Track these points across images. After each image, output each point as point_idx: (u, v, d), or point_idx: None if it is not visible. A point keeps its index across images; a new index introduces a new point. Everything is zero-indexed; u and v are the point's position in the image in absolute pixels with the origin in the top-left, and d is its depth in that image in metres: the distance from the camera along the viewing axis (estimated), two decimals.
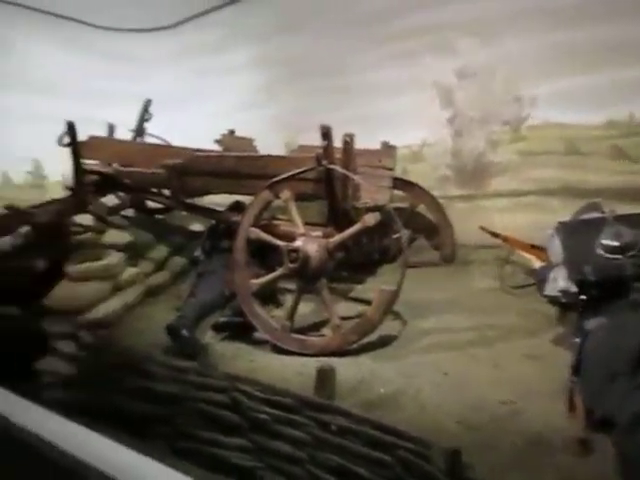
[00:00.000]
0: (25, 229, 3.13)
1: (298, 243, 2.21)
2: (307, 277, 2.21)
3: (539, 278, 1.99)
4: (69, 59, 4.46)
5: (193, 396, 2.11)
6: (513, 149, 3.16)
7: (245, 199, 3.13)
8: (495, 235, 2.75)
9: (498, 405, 1.72)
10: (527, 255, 2.48)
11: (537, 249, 2.37)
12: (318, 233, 2.34)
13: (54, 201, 3.28)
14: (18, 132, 4.10)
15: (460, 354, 2.09)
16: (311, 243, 2.22)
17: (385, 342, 2.27)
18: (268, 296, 2.62)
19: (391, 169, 2.92)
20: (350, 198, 2.46)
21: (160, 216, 3.82)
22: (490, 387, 1.83)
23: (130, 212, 3.69)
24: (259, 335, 2.35)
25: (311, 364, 2.12)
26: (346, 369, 2.00)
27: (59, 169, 4.26)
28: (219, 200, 3.33)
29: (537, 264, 2.25)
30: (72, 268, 2.91)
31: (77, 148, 2.97)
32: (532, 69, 2.96)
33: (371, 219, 2.20)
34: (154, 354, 2.35)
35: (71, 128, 2.91)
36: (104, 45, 4.63)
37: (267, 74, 4.24)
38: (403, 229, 2.30)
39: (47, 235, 3.03)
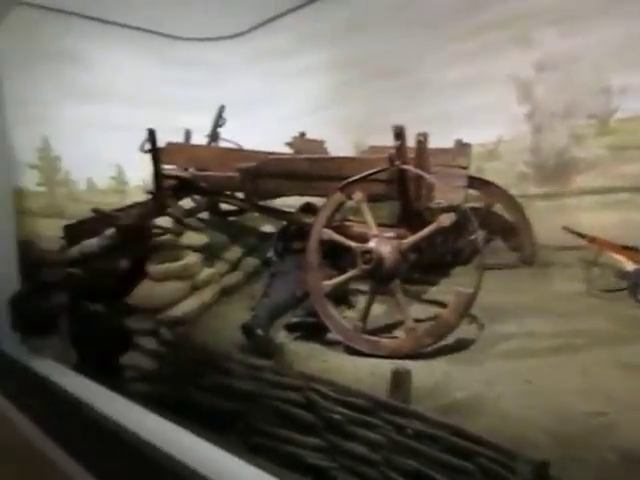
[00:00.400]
0: (110, 231, 3.34)
1: (371, 244, 2.20)
2: (380, 278, 2.20)
3: (633, 281, 1.86)
4: (146, 69, 4.72)
5: (268, 394, 2.16)
6: (600, 143, 2.97)
7: (316, 200, 3.19)
8: (581, 235, 2.60)
9: (588, 416, 1.62)
10: (618, 257, 2.33)
11: (630, 250, 2.22)
12: (391, 234, 2.32)
13: (136, 205, 3.47)
14: (101, 140, 4.38)
15: (544, 361, 1.98)
16: (384, 244, 2.20)
17: (461, 346, 2.21)
18: (340, 297, 2.63)
19: (465, 168, 2.84)
20: (424, 198, 2.41)
21: (233, 218, 3.93)
22: (578, 397, 1.72)
23: (204, 214, 3.84)
24: (332, 336, 2.36)
25: (384, 366, 2.10)
26: (420, 372, 1.96)
27: (139, 175, 4.55)
28: (291, 202, 3.38)
29: (630, 266, 2.11)
30: (153, 268, 3.06)
31: (157, 154, 3.12)
32: (621, 58, 2.78)
33: (446, 219, 2.15)
34: (231, 352, 2.43)
35: (152, 135, 3.07)
36: (179, 54, 4.86)
37: (337, 76, 4.27)
38: (479, 229, 2.22)
39: (130, 237, 3.21)
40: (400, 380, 1.82)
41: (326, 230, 2.37)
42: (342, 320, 2.29)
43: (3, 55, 3.99)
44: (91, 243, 3.44)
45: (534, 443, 1.59)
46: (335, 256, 2.80)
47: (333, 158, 2.70)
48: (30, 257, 3.98)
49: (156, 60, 4.74)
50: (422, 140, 2.30)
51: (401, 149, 2.22)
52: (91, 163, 4.43)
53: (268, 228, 3.84)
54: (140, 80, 4.60)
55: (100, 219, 3.43)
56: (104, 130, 4.32)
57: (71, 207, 4.32)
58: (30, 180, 4.27)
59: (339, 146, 3.58)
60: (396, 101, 3.66)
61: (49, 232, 3.95)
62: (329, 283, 2.33)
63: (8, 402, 3.57)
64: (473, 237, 2.28)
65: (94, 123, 4.34)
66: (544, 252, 2.95)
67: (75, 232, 3.64)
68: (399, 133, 2.20)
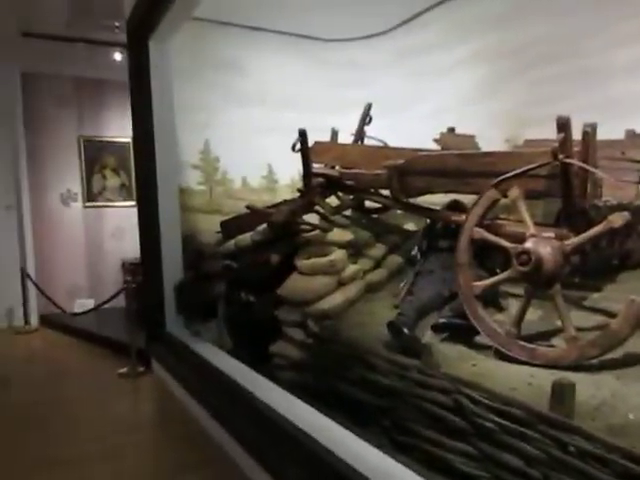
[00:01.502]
0: (263, 227, 3.59)
1: (529, 244, 2.08)
2: (539, 282, 2.07)
3: None
4: (296, 72, 4.97)
5: (415, 393, 2.16)
6: None
7: (464, 198, 3.09)
8: None
9: None
10: None
11: None
12: (550, 234, 2.17)
13: (286, 202, 3.68)
14: (255, 142, 4.71)
15: None
16: (544, 245, 2.07)
17: (633, 361, 1.99)
18: (490, 299, 2.53)
19: (638, 161, 2.56)
20: (589, 195, 2.22)
21: (376, 215, 3.98)
22: None
23: (349, 212, 3.93)
24: (481, 339, 2.28)
25: (541, 375, 1.98)
26: (583, 387, 1.81)
27: (287, 174, 4.82)
28: (434, 200, 3.32)
29: None
30: (301, 263, 3.22)
31: (307, 153, 3.27)
32: None
33: (618, 219, 1.96)
34: (377, 348, 2.47)
35: (303, 135, 3.22)
36: (326, 56, 5.04)
37: (485, 69, 4.10)
38: None
39: (281, 232, 3.42)
40: (563, 393, 1.70)
41: (478, 229, 2.30)
42: (494, 324, 2.21)
43: (175, 67, 4.50)
44: (245, 238, 3.72)
45: None
46: (483, 256, 2.71)
47: (486, 153, 2.59)
48: (192, 249, 4.43)
49: (305, 63, 4.98)
50: (589, 131, 2.12)
51: (566, 142, 2.06)
52: (245, 163, 4.79)
53: (411, 226, 3.82)
54: (291, 83, 4.86)
55: (253, 215, 3.70)
56: (257, 132, 4.64)
57: (227, 204, 4.71)
58: (192, 179, 4.75)
59: (490, 141, 3.43)
60: (553, 91, 3.39)
61: (208, 227, 4.35)
62: (480, 284, 2.26)
63: (173, 379, 4.03)
64: None
65: (249, 126, 4.68)
66: None
67: (231, 227, 3.97)
68: (564, 124, 2.05)
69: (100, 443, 3.25)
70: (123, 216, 7.41)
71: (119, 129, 7.44)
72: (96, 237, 7.62)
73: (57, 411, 3.84)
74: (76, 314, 6.46)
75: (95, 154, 7.64)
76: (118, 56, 6.50)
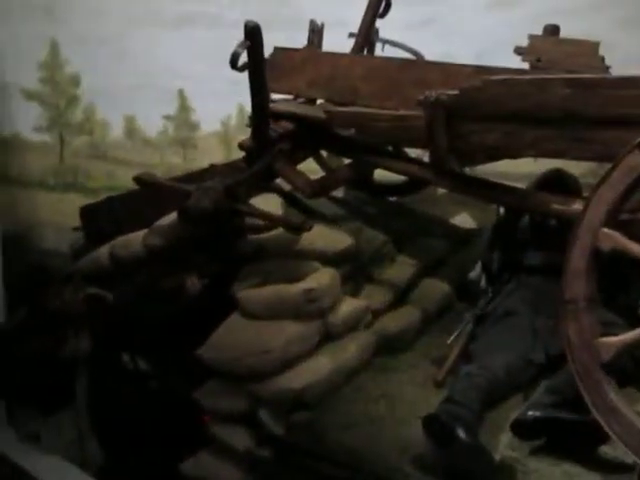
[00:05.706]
0: (168, 219, 3.52)
1: None
2: None
3: None
4: None
5: None
6: None
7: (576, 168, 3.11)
8: None
9: None
10: None
11: None
12: None
13: (216, 169, 3.63)
14: (152, 46, 4.66)
15: None
16: None
17: None
18: (629, 370, 2.55)
19: None
20: None
21: (395, 199, 3.98)
22: None
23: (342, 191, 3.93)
24: (612, 452, 2.30)
25: None
26: None
27: (218, 111, 4.78)
28: (512, 169, 3.35)
29: None
30: (246, 293, 3.19)
31: (262, 72, 3.22)
32: None
33: None
34: (402, 467, 2.46)
35: (254, 34, 3.15)
36: None
37: None
38: None
39: (205, 231, 3.36)
40: None
41: (608, 231, 2.29)
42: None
43: None
44: (131, 241, 3.66)
45: None
46: (612, 283, 2.72)
47: (627, 80, 2.59)
48: (22, 264, 4.34)
49: None
50: None
51: None
52: (133, 89, 4.73)
53: (468, 221, 3.84)
54: None
55: (149, 195, 3.64)
56: (156, 25, 4.61)
57: (96, 171, 4.65)
58: (25, 121, 4.67)
59: (623, 54, 3.47)
60: None
61: (56, 218, 4.29)
62: (614, 341, 2.25)
63: None
64: None
65: (140, 13, 4.63)
66: None
67: (102, 219, 3.91)
68: None
69: None
70: None
71: None
72: None
73: None
74: None
75: None
76: None
